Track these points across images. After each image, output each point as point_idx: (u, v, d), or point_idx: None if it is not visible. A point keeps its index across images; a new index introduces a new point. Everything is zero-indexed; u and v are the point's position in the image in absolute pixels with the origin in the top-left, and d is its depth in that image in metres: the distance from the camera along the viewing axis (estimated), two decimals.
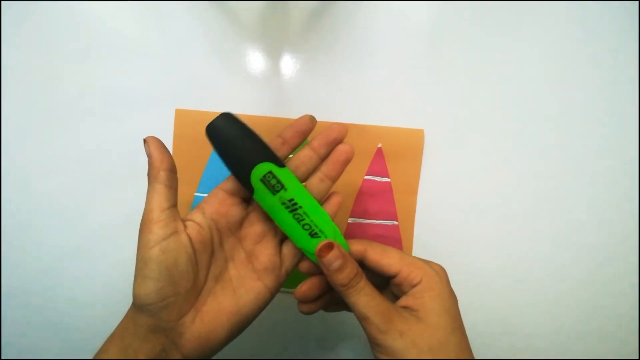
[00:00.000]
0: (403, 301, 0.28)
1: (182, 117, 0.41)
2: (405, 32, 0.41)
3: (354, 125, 0.41)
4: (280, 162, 0.29)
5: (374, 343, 0.27)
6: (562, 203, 0.41)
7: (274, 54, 0.41)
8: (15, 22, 0.41)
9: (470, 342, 0.28)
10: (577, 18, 0.41)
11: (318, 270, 0.30)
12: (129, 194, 0.41)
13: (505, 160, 0.41)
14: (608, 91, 0.41)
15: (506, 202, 0.41)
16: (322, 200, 0.31)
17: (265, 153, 0.28)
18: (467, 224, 0.41)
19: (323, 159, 0.30)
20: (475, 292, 0.41)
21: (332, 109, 0.41)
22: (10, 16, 0.41)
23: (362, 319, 0.27)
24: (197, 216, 0.29)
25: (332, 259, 0.27)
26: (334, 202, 0.31)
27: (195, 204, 0.41)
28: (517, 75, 0.41)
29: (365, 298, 0.27)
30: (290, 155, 0.31)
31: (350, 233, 0.42)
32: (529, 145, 0.41)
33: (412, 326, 0.26)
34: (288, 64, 0.41)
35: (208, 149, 0.41)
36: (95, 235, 0.41)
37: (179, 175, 0.40)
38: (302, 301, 0.31)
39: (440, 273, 0.29)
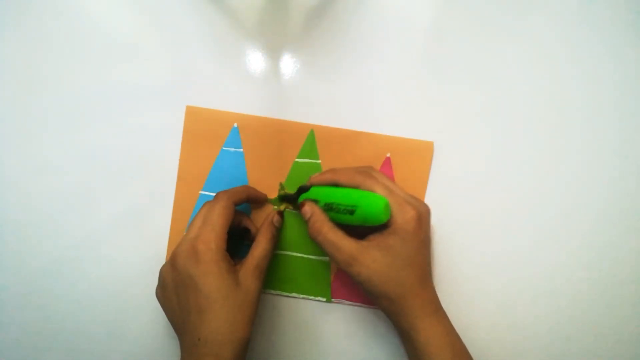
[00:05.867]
0: (372, 237, 0.35)
1: (192, 114, 0.41)
2: (415, 31, 0.41)
3: (364, 133, 0.41)
4: (306, 188, 0.39)
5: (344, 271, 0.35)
6: (577, 218, 0.41)
7: (276, 54, 0.41)
8: (18, 17, 0.41)
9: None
10: (589, 19, 0.40)
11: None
12: (134, 190, 0.41)
13: (515, 174, 0.41)
14: (623, 95, 0.40)
15: (515, 215, 0.41)
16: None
17: (299, 192, 0.39)
18: (474, 238, 0.41)
19: None
20: (482, 303, 0.41)
21: (336, 113, 0.41)
22: (18, 11, 0.41)
23: (330, 257, 0.36)
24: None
25: (304, 211, 0.37)
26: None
27: (200, 202, 0.41)
28: (529, 88, 0.41)
29: (329, 242, 0.35)
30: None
31: None
32: (541, 159, 0.41)
33: (376, 260, 0.34)
34: (291, 65, 0.41)
35: (217, 147, 0.41)
36: (104, 232, 0.41)
37: (185, 172, 0.41)
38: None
39: (416, 217, 0.34)
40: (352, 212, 0.34)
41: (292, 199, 0.40)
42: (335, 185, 0.37)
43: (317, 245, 0.39)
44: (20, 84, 0.41)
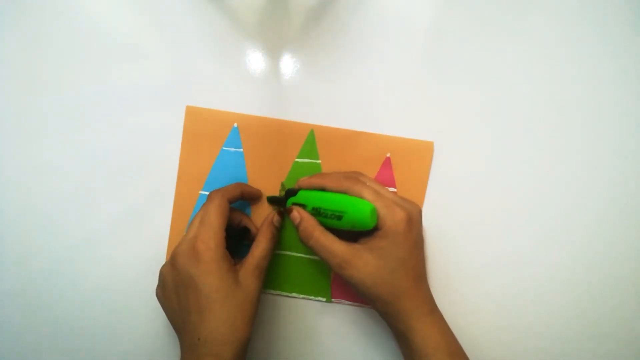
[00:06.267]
0: (364, 240, 0.35)
1: (192, 114, 0.41)
2: (415, 31, 0.41)
3: (364, 133, 0.41)
4: (294, 191, 0.39)
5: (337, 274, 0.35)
6: (577, 218, 0.41)
7: (276, 54, 0.41)
8: (18, 17, 0.41)
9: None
10: (589, 19, 0.40)
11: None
12: (134, 190, 0.41)
13: (515, 174, 0.41)
14: (623, 95, 0.40)
15: (515, 215, 0.41)
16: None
17: (287, 195, 0.40)
18: (474, 238, 0.41)
19: None
20: (482, 304, 0.41)
21: (336, 113, 0.41)
22: (18, 11, 0.41)
23: (323, 260, 0.35)
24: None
25: (293, 216, 0.37)
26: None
27: (200, 202, 0.41)
28: (529, 88, 0.41)
29: (321, 246, 0.35)
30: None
31: None
32: (540, 159, 0.41)
33: (368, 263, 0.34)
34: (291, 65, 0.41)
35: (217, 147, 0.41)
36: (104, 232, 0.41)
37: (185, 172, 0.41)
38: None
39: (405, 219, 0.34)
40: (339, 218, 0.34)
41: (280, 202, 0.40)
42: (323, 190, 0.37)
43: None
44: (20, 84, 0.41)
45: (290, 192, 0.39)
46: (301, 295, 0.41)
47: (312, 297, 0.41)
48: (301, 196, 0.38)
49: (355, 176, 0.37)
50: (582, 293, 0.41)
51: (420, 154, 0.41)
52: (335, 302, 0.42)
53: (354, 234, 0.35)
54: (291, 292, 0.41)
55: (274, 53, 0.41)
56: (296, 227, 0.37)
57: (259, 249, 0.36)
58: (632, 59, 0.40)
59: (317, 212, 0.36)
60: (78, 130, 0.41)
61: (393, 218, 0.34)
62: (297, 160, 0.41)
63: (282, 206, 0.40)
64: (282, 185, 0.41)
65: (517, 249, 0.41)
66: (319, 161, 0.41)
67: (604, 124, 0.41)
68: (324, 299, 0.41)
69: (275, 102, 0.41)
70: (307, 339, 0.42)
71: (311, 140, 0.41)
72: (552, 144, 0.41)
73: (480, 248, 0.41)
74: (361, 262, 0.34)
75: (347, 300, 0.41)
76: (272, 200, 0.41)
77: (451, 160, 0.41)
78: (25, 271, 0.41)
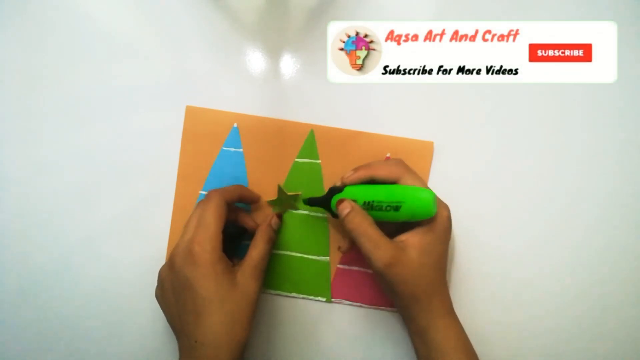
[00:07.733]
0: (404, 237, 0.34)
1: (192, 114, 0.41)
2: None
3: (364, 133, 0.41)
4: (339, 189, 0.37)
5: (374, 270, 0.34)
6: (578, 218, 0.41)
7: (276, 54, 0.41)
8: (18, 18, 0.41)
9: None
10: (588, 18, 0.40)
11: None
12: (134, 190, 0.41)
13: (516, 174, 0.41)
14: (623, 94, 0.41)
15: (515, 215, 0.41)
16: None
17: (331, 193, 0.37)
18: (474, 238, 0.41)
19: None
20: (481, 303, 0.41)
21: (336, 113, 0.41)
22: (18, 12, 0.41)
23: (365, 255, 0.34)
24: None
25: (343, 207, 0.35)
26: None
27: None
28: (529, 87, 0.41)
29: (369, 238, 0.33)
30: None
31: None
32: (541, 159, 0.41)
33: (413, 261, 0.33)
34: (291, 65, 0.41)
35: (216, 147, 0.41)
36: (104, 232, 0.41)
37: (185, 172, 0.41)
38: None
39: (449, 217, 0.35)
40: (397, 209, 0.33)
41: (322, 202, 0.38)
42: (372, 181, 0.36)
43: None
44: (20, 84, 0.41)
45: (334, 190, 0.37)
46: (301, 295, 0.41)
47: (312, 297, 0.41)
48: (348, 192, 0.36)
49: (403, 164, 0.36)
50: (585, 293, 0.41)
51: (420, 154, 0.41)
52: (335, 302, 0.42)
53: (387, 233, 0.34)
54: (291, 292, 0.41)
55: (274, 53, 0.41)
56: (343, 218, 0.35)
57: (257, 250, 0.36)
58: (633, 59, 0.40)
59: (369, 207, 0.34)
60: (78, 130, 0.41)
61: (441, 214, 0.34)
62: (297, 160, 0.41)
63: (324, 207, 0.38)
64: (280, 188, 0.41)
65: (517, 249, 0.41)
66: (319, 161, 0.41)
67: (605, 122, 0.41)
68: (324, 299, 0.41)
69: (275, 102, 0.41)
70: (307, 339, 0.42)
71: (311, 140, 0.41)
72: (553, 143, 0.41)
73: (480, 248, 0.41)
74: (407, 259, 0.33)
75: (347, 300, 0.41)
76: (311, 202, 0.39)
77: (451, 160, 0.41)
78: (25, 271, 0.41)
